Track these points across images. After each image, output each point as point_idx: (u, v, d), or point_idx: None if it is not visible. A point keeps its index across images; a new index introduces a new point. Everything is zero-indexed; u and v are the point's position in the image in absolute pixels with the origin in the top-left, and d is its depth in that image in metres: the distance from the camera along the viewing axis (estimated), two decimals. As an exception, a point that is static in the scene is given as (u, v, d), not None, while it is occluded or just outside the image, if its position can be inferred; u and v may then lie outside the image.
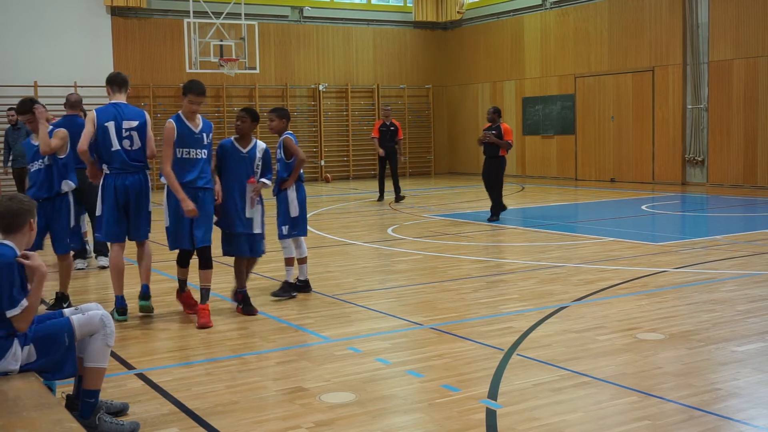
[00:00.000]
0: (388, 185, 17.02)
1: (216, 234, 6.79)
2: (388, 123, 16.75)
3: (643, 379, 4.88)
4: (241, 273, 6.94)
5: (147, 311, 6.78)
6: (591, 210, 14.98)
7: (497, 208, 13.08)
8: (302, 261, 7.62)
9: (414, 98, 25.16)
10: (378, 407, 4.51)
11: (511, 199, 15.91)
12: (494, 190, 13.05)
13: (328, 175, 23.49)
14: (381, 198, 16.89)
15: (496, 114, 13.06)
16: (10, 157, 14.17)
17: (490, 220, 12.97)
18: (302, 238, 7.58)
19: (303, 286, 7.64)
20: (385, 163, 16.85)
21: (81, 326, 3.98)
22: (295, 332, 6.25)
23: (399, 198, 16.55)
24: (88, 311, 4.07)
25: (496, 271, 8.69)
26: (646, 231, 11.65)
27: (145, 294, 6.75)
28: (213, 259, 6.70)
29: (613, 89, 20.53)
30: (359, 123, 24.28)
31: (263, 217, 7.05)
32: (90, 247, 9.74)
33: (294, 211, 7.42)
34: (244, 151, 6.86)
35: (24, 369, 3.88)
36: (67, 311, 4.11)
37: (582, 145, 21.51)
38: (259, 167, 6.90)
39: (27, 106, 7.04)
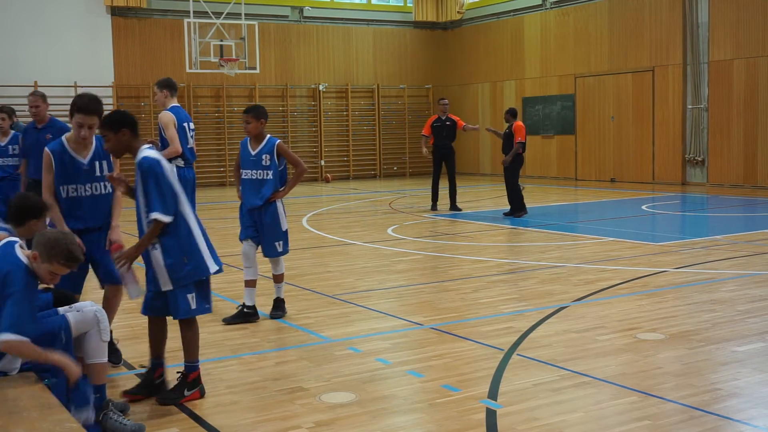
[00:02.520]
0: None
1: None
2: (443, 118, 14.61)
3: (643, 379, 4.87)
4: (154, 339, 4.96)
5: None
6: (591, 210, 14.98)
7: (514, 205, 13.39)
8: (280, 279, 6.86)
9: (414, 98, 25.15)
10: (378, 407, 4.51)
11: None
12: (509, 188, 13.44)
13: (328, 175, 23.50)
14: (434, 206, 14.64)
15: (508, 114, 13.54)
16: None
17: (505, 215, 13.37)
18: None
19: (251, 313, 6.65)
20: (441, 164, 14.71)
21: (76, 323, 4.02)
22: (295, 332, 6.24)
23: (455, 207, 14.45)
24: (83, 308, 4.08)
25: (496, 271, 8.69)
26: (646, 231, 11.65)
27: None
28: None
29: (613, 89, 20.53)
30: (359, 123, 24.29)
31: (169, 267, 4.63)
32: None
33: (285, 224, 6.80)
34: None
35: (23, 369, 3.89)
36: (61, 309, 4.12)
37: (582, 145, 21.51)
38: (140, 194, 4.65)
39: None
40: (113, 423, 4.09)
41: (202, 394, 4.75)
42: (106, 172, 5.15)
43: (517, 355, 5.43)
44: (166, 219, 4.52)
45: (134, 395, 4.72)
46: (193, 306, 4.69)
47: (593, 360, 5.29)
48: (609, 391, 4.69)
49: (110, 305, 5.31)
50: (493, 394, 4.66)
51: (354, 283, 8.20)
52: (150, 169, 4.54)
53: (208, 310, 4.84)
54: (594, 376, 4.95)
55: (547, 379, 4.91)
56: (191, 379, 4.73)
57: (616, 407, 4.43)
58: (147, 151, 4.62)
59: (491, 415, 4.34)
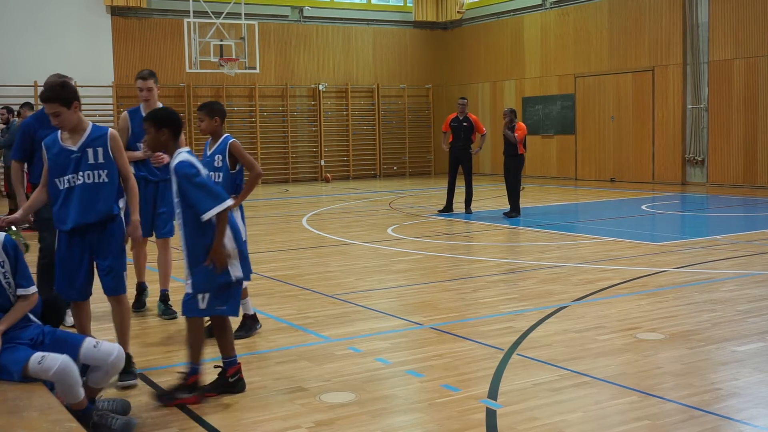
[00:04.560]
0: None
1: None
2: (461, 118, 14.03)
3: (643, 379, 4.87)
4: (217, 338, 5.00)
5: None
6: (591, 210, 14.98)
7: (514, 205, 13.39)
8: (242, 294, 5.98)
9: (414, 98, 25.16)
10: (378, 407, 4.51)
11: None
12: (511, 188, 13.44)
13: (328, 174, 23.50)
14: (449, 207, 14.15)
15: (512, 114, 13.50)
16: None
17: (506, 215, 13.33)
18: None
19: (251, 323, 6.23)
20: (456, 165, 14.14)
21: (35, 372, 3.85)
22: (295, 332, 6.24)
23: (468, 209, 14.06)
24: (56, 358, 3.85)
25: (496, 270, 8.69)
26: (646, 231, 11.65)
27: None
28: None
29: (613, 89, 20.53)
30: (359, 123, 24.30)
31: None
32: None
33: (232, 242, 5.88)
34: None
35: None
36: (89, 343, 4.06)
37: (582, 145, 21.51)
38: (179, 201, 4.76)
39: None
40: (105, 421, 4.07)
41: (199, 400, 4.65)
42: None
43: (517, 354, 5.43)
44: (225, 204, 4.58)
45: (209, 393, 4.74)
46: (202, 306, 4.68)
47: (593, 360, 5.29)
48: (609, 391, 4.69)
49: (114, 318, 5.08)
50: (493, 393, 4.66)
51: (354, 282, 8.20)
52: (184, 174, 4.57)
53: (225, 312, 4.77)
54: (594, 376, 4.95)
55: (547, 378, 4.91)
56: (190, 383, 4.68)
57: (616, 407, 4.43)
58: (182, 156, 4.65)
59: (491, 414, 4.34)
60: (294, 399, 4.66)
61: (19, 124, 6.49)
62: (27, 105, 13.77)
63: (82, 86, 19.97)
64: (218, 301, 4.70)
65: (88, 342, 4.05)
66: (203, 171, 4.71)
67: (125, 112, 6.88)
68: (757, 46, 17.43)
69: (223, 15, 19.81)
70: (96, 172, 4.83)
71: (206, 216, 4.56)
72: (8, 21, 19.49)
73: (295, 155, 23.37)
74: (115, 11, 20.77)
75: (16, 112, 14.37)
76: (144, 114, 6.57)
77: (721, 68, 18.13)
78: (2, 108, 14.05)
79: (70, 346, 3.97)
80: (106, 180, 4.85)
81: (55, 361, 3.83)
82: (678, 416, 4.25)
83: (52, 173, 4.83)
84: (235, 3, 19.93)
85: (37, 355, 3.85)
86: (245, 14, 20.35)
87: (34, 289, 4.13)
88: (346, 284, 8.10)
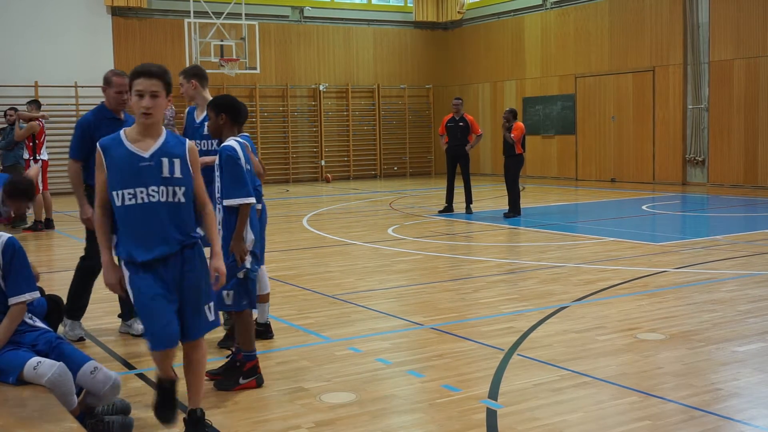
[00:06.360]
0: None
1: None
2: (457, 118, 14.02)
3: (643, 380, 4.87)
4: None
5: None
6: (591, 210, 14.98)
7: (514, 205, 13.40)
8: (265, 298, 5.90)
9: (414, 98, 25.16)
10: (378, 407, 4.51)
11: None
12: (510, 188, 13.47)
13: (329, 175, 23.50)
14: (449, 208, 14.19)
15: (510, 114, 13.52)
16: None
17: (506, 215, 13.34)
18: (263, 267, 5.68)
19: (263, 331, 5.95)
20: (454, 165, 14.21)
21: (29, 378, 3.86)
22: (296, 332, 6.24)
23: (468, 209, 14.10)
24: (51, 365, 3.85)
25: (496, 271, 8.69)
26: (647, 231, 11.65)
27: None
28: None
29: (614, 89, 20.53)
30: (359, 123, 24.30)
31: None
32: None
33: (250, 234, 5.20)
34: None
35: None
36: (87, 369, 3.98)
37: (582, 145, 21.51)
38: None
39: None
40: (99, 428, 4.08)
41: (259, 384, 4.89)
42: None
43: (518, 355, 5.43)
44: (245, 200, 4.76)
45: (215, 375, 4.99)
46: (228, 302, 4.86)
47: (593, 360, 5.28)
48: (609, 391, 4.69)
49: (189, 369, 4.05)
50: (493, 394, 4.66)
51: (354, 283, 8.20)
52: (227, 155, 4.77)
53: (248, 306, 4.96)
54: (594, 376, 4.95)
55: (548, 379, 4.91)
56: (247, 368, 4.88)
57: (616, 407, 4.43)
58: (231, 141, 4.86)
59: (491, 415, 4.34)
60: (294, 399, 4.66)
61: (78, 122, 6.20)
62: (35, 102, 13.71)
63: (82, 86, 20.00)
64: (240, 297, 4.91)
65: (86, 367, 4.00)
66: (245, 164, 4.89)
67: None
68: (757, 46, 17.43)
69: (224, 15, 19.81)
70: (171, 188, 3.82)
71: (225, 202, 4.71)
72: (8, 21, 19.49)
73: (295, 155, 23.37)
74: (116, 11, 20.77)
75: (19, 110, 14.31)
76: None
77: (721, 68, 18.13)
78: (10, 109, 14.04)
79: (69, 367, 3.93)
80: (183, 200, 3.86)
81: (50, 368, 3.84)
82: (678, 416, 4.25)
83: (112, 184, 3.80)
84: (235, 3, 19.93)
85: (33, 361, 3.86)
86: (246, 14, 20.36)
87: (28, 296, 3.98)
88: (346, 284, 8.10)
